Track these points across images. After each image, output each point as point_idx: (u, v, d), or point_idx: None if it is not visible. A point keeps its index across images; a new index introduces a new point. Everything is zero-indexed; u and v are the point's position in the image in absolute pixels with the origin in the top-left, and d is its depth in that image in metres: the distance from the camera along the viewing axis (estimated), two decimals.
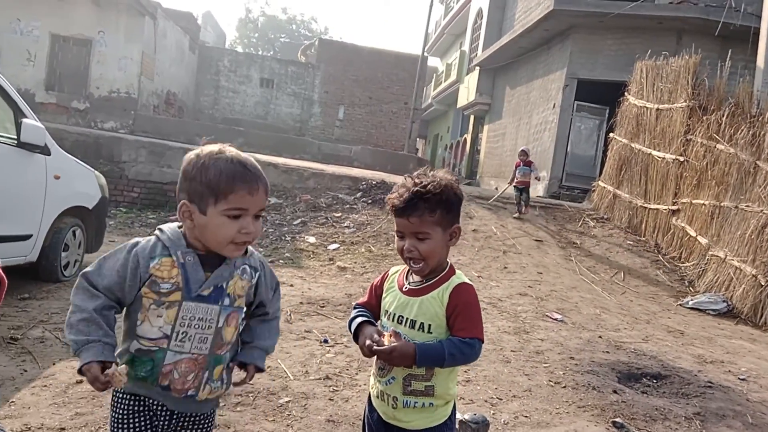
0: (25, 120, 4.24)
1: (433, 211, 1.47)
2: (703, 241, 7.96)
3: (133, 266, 1.32)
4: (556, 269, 7.79)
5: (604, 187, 10.97)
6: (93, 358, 1.26)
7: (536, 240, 8.98)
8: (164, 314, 1.33)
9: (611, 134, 11.17)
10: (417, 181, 1.50)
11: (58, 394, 2.87)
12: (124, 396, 1.38)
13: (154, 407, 1.39)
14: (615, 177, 10.66)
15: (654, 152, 9.48)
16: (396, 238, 1.55)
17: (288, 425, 2.84)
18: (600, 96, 13.49)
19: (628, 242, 9.23)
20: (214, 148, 1.35)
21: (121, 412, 1.38)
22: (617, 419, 3.26)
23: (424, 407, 1.50)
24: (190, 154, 1.36)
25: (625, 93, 10.68)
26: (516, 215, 9.87)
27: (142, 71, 17.19)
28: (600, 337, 5.00)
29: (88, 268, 1.37)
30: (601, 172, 11.91)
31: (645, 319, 6.00)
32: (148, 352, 1.34)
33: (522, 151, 10.37)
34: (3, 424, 1.79)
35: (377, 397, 1.57)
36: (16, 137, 4.21)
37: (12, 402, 2.73)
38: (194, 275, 1.34)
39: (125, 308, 1.38)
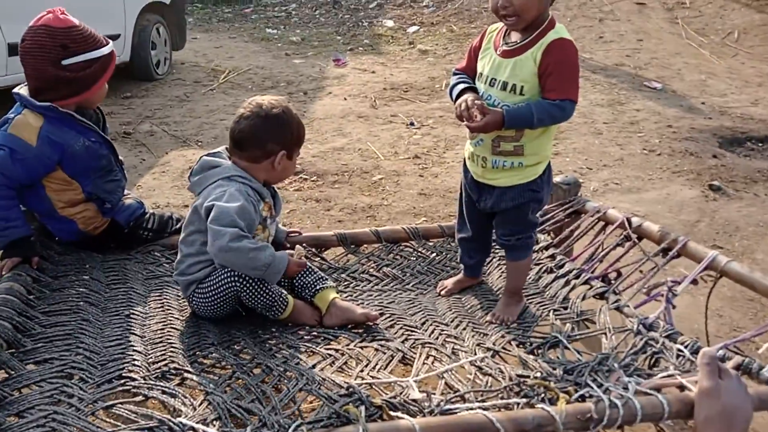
0: None
1: None
2: None
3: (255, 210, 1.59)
4: (658, 35, 7.09)
5: None
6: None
7: (638, 3, 8.05)
8: (260, 236, 1.62)
9: None
10: None
11: (176, 178, 3.20)
12: None
13: None
14: None
15: None
16: None
17: (383, 198, 3.03)
18: None
19: None
20: (283, 101, 1.58)
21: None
22: (714, 182, 3.19)
23: (513, 167, 1.51)
24: (279, 110, 1.54)
25: None
26: None
27: None
28: (703, 103, 4.70)
29: (230, 230, 1.44)
30: None
31: (756, 82, 5.49)
32: None
33: None
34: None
35: (469, 158, 1.61)
36: None
37: (139, 185, 3.08)
38: (276, 206, 1.70)
39: None
